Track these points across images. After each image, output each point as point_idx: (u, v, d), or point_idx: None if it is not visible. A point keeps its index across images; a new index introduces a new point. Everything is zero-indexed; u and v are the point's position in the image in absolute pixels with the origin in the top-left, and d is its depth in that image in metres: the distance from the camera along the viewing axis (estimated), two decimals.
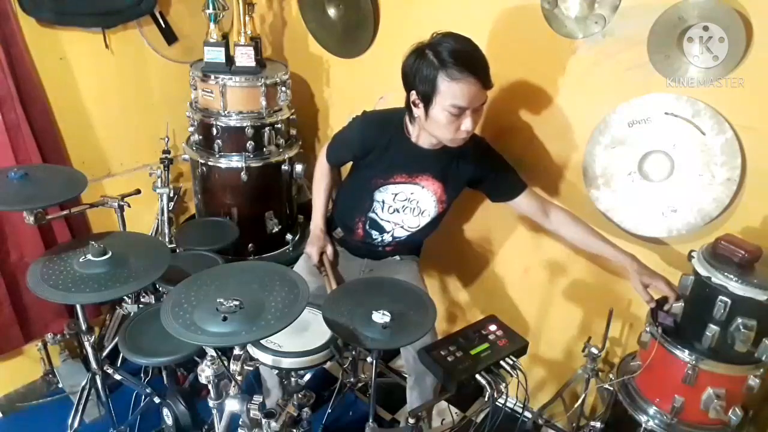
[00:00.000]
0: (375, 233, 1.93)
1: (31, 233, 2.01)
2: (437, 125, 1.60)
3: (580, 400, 1.87)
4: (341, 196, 2.04)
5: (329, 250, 1.96)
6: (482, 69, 1.53)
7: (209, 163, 2.22)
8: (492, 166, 1.82)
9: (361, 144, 1.83)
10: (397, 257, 2.02)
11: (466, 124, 1.57)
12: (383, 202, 1.86)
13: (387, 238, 1.94)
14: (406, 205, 1.85)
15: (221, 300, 1.22)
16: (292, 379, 1.65)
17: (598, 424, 1.72)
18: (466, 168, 1.79)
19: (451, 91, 1.51)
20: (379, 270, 1.99)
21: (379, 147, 1.79)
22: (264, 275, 1.37)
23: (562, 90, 1.81)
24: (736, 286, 1.34)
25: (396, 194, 1.84)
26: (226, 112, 2.15)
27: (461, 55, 1.50)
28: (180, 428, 1.88)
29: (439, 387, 1.89)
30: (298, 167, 2.33)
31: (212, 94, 2.14)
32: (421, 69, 1.55)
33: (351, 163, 1.96)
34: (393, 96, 1.99)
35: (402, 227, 1.90)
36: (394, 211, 1.87)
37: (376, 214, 1.89)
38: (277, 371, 1.65)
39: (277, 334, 1.22)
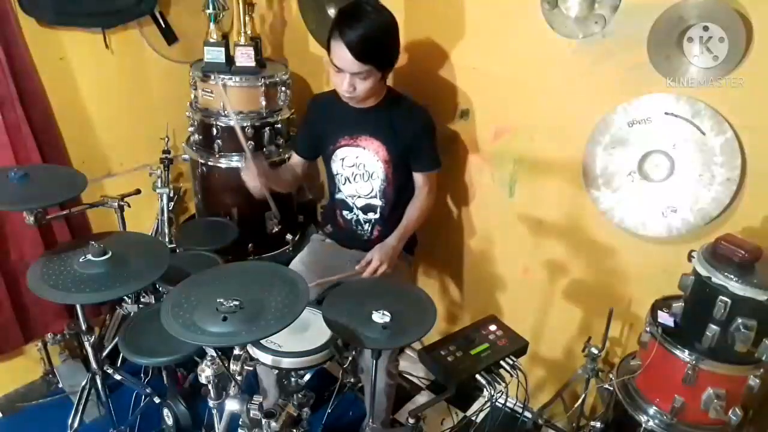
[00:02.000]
0: (347, 213, 2.03)
1: (31, 233, 2.01)
2: (332, 78, 1.79)
3: (580, 400, 1.87)
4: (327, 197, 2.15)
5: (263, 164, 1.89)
6: (357, 42, 1.64)
7: (209, 163, 2.22)
8: (417, 141, 1.89)
9: (315, 119, 2.00)
10: None
11: (343, 84, 1.73)
12: (338, 173, 1.99)
13: (359, 216, 2.01)
14: (355, 172, 1.95)
15: (221, 300, 1.22)
16: (292, 379, 1.65)
17: (598, 424, 1.72)
18: (401, 131, 1.87)
19: (332, 48, 1.71)
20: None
21: (326, 116, 1.96)
22: (264, 275, 1.37)
23: (562, 90, 1.81)
24: (736, 286, 1.34)
25: (343, 159, 1.95)
26: (226, 112, 2.14)
27: (345, 23, 1.66)
28: (180, 428, 1.88)
29: (392, 396, 1.99)
30: None
31: (212, 94, 2.14)
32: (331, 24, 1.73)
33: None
34: None
35: (360, 197, 1.99)
36: (346, 181, 1.97)
37: (341, 192, 2.01)
38: (276, 371, 1.65)
39: (277, 334, 1.22)
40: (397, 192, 1.96)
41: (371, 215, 2.01)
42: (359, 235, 2.03)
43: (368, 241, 2.02)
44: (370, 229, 2.02)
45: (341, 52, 1.67)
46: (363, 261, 1.81)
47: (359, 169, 1.94)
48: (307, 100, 2.07)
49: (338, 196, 2.02)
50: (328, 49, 1.74)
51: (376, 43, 1.69)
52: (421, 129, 1.89)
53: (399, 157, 1.90)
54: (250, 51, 2.14)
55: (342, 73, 1.72)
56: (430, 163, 1.94)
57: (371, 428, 1.67)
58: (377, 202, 1.98)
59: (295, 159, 2.10)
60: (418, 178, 1.96)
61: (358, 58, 1.66)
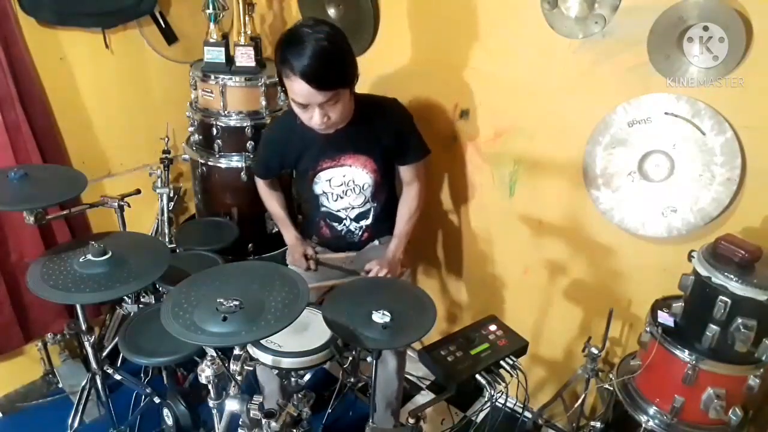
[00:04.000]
0: (336, 224, 1.99)
1: (31, 233, 2.01)
2: (300, 116, 1.65)
3: (580, 400, 1.87)
4: (301, 207, 2.10)
5: (309, 251, 1.97)
6: (311, 72, 1.49)
7: (209, 163, 2.22)
8: (401, 138, 1.84)
9: (280, 145, 1.89)
10: (376, 242, 2.04)
11: (315, 118, 1.60)
12: (324, 193, 1.92)
13: (350, 225, 1.98)
14: (345, 189, 1.90)
15: (221, 300, 1.22)
16: (292, 379, 1.65)
17: (598, 424, 1.72)
18: (382, 135, 1.82)
19: (288, 86, 1.57)
20: (360, 258, 2.00)
21: (296, 143, 1.83)
22: (264, 275, 1.36)
23: (562, 90, 1.81)
24: (736, 286, 1.34)
25: (330, 180, 1.89)
26: (226, 112, 2.15)
27: (291, 56, 1.51)
28: (180, 428, 1.87)
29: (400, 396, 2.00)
30: None
31: (212, 94, 2.14)
32: (276, 62, 1.59)
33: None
34: None
35: (353, 208, 1.95)
36: (337, 197, 1.92)
37: (327, 207, 1.95)
38: (276, 371, 1.65)
39: (277, 334, 1.22)
40: (388, 190, 1.96)
41: (363, 222, 1.99)
42: (349, 241, 2.02)
43: (359, 242, 2.02)
44: (360, 233, 2.01)
45: (299, 88, 1.53)
46: (363, 272, 1.84)
47: (349, 185, 1.90)
48: (264, 130, 2.02)
49: (324, 210, 1.96)
50: (282, 88, 1.63)
51: (331, 64, 1.53)
52: (400, 124, 1.84)
53: (386, 161, 1.88)
54: (250, 51, 2.14)
55: (309, 108, 1.59)
56: (418, 153, 1.91)
57: (371, 428, 1.67)
58: (369, 205, 1.96)
59: (267, 182, 2.05)
60: (406, 172, 1.92)
61: (321, 87, 1.53)
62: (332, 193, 1.92)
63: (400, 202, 1.98)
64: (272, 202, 2.08)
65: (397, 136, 1.84)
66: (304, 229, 2.10)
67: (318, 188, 1.92)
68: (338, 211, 1.96)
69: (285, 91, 1.64)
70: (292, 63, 1.51)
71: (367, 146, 1.83)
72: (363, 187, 1.90)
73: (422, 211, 2.00)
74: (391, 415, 2.02)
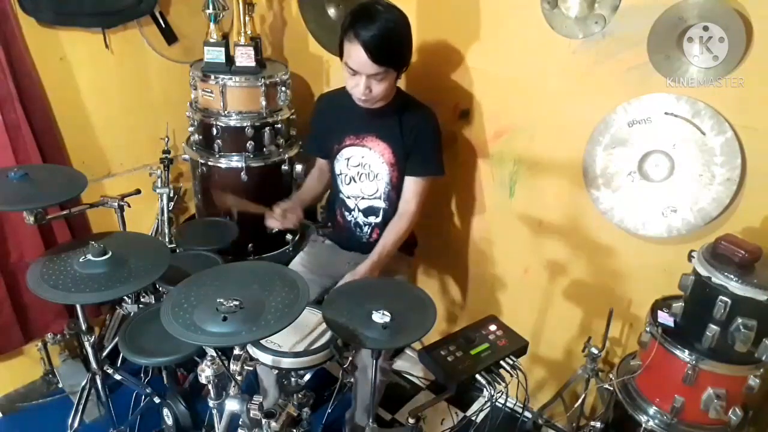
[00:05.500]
0: (347, 214, 2.00)
1: (31, 233, 2.01)
2: (346, 81, 1.75)
3: (580, 400, 1.88)
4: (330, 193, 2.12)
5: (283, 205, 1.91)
6: (373, 43, 1.61)
7: (209, 163, 2.22)
8: (419, 143, 1.86)
9: (322, 117, 2.00)
10: None
11: (359, 87, 1.70)
12: (341, 173, 1.96)
13: (359, 218, 1.99)
14: (360, 171, 1.93)
15: (221, 300, 1.22)
16: (292, 379, 1.65)
17: (598, 424, 1.72)
18: (408, 133, 1.85)
19: (346, 50, 1.67)
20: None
21: (333, 115, 1.94)
22: (264, 275, 1.37)
23: (562, 90, 1.81)
24: (736, 286, 1.34)
25: (349, 159, 1.93)
26: (226, 112, 2.14)
27: (359, 24, 1.62)
28: (180, 428, 1.88)
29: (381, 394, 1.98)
30: (298, 167, 2.32)
31: (212, 94, 2.14)
32: (342, 26, 1.69)
33: None
34: None
35: (363, 198, 1.96)
36: (350, 180, 1.95)
37: (341, 192, 1.99)
38: (276, 371, 1.65)
39: (277, 334, 1.22)
40: (398, 193, 1.94)
41: (372, 218, 1.98)
42: (358, 237, 2.02)
43: (367, 243, 2.01)
44: (369, 231, 2.01)
45: (357, 54, 1.63)
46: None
47: (365, 169, 1.92)
48: (316, 98, 2.07)
49: (340, 196, 2.00)
50: (340, 51, 1.70)
51: (392, 43, 1.65)
52: (426, 129, 1.86)
53: (405, 160, 1.87)
54: (250, 51, 2.14)
55: (357, 76, 1.69)
56: (428, 166, 1.87)
57: (371, 428, 1.67)
58: (380, 204, 1.95)
59: (318, 161, 2.11)
60: (410, 185, 1.88)
61: (375, 60, 1.63)
62: (346, 175, 1.95)
63: (390, 223, 1.91)
64: (306, 182, 2.13)
65: (417, 138, 1.85)
66: (326, 218, 2.16)
67: (338, 167, 1.96)
68: (348, 197, 1.97)
69: (342, 54, 1.71)
70: (359, 30, 1.61)
71: (390, 135, 1.86)
72: (377, 175, 1.91)
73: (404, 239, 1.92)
74: (368, 416, 2.01)
